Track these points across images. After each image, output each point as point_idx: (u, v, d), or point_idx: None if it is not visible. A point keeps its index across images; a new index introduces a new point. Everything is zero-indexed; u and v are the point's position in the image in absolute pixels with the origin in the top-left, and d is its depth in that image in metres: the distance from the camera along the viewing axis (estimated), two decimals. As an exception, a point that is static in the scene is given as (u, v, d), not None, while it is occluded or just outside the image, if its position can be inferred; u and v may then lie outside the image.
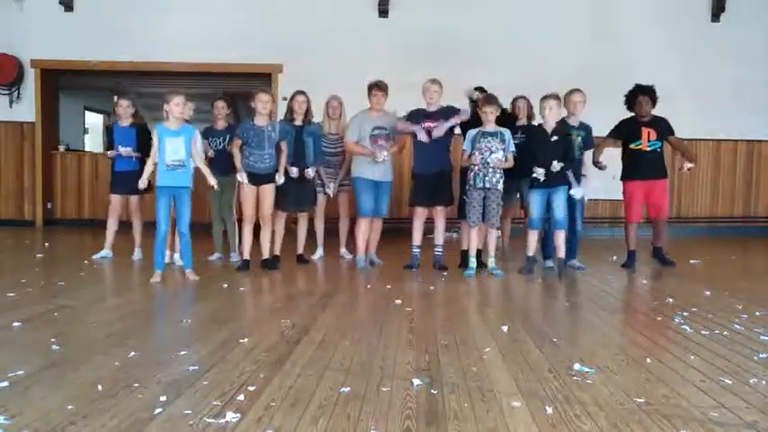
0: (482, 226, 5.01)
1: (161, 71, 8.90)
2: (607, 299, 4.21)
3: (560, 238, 4.97)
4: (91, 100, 12.82)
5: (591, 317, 3.77)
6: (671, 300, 4.12)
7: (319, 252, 5.94)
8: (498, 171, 4.90)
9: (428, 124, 5.13)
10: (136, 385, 2.30)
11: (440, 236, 5.34)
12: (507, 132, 4.97)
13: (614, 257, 5.96)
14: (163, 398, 2.17)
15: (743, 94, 8.71)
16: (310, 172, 5.34)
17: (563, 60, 7.98)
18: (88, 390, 2.25)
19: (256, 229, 5.16)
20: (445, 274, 5.07)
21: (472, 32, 8.46)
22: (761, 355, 2.80)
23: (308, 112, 5.42)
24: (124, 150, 5.62)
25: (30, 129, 8.93)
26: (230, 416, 2.02)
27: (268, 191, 5.14)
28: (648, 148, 5.43)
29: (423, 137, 5.09)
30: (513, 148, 4.94)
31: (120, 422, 1.97)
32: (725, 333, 3.23)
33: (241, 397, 2.20)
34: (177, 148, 4.56)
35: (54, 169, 9.14)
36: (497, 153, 4.86)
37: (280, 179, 5.12)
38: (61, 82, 9.68)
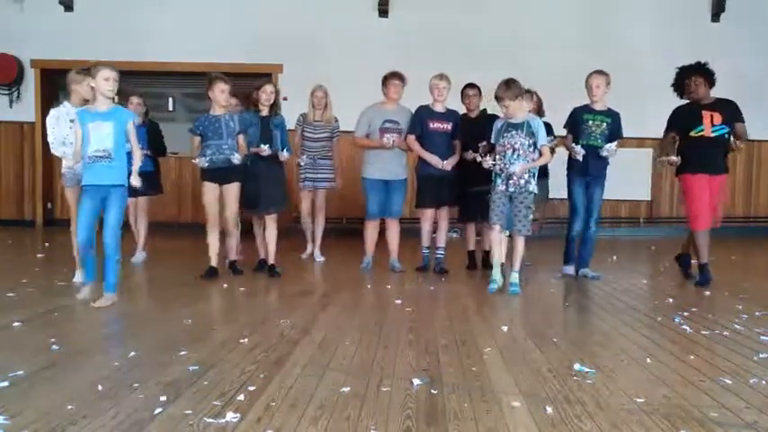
0: (503, 235, 4.36)
1: (161, 71, 8.91)
2: (607, 299, 4.21)
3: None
4: (91, 100, 12.81)
5: (591, 317, 3.77)
6: (671, 300, 4.12)
7: (310, 249, 5.94)
8: (527, 171, 4.27)
9: (437, 125, 5.03)
10: (136, 385, 2.30)
11: (442, 237, 5.23)
12: (536, 120, 4.34)
13: (614, 257, 5.96)
14: (163, 398, 2.17)
15: (743, 95, 8.67)
16: (285, 154, 4.86)
17: (563, 60, 7.97)
18: (88, 390, 2.25)
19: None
20: (444, 278, 4.99)
21: (472, 32, 8.47)
22: (761, 355, 2.80)
23: (274, 105, 4.95)
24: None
25: (30, 129, 8.94)
26: (230, 416, 2.02)
27: (233, 190, 4.65)
28: (713, 134, 4.58)
29: (437, 164, 4.96)
30: (544, 139, 4.32)
31: (121, 422, 1.97)
32: (725, 333, 3.23)
33: (241, 397, 2.20)
34: (103, 136, 3.63)
35: (54, 169, 9.14)
36: (524, 158, 4.23)
37: (236, 159, 4.54)
38: (61, 82, 9.67)
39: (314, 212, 5.90)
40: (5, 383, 2.31)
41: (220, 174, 4.62)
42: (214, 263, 4.72)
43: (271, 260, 4.97)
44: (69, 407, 2.08)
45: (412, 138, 5.07)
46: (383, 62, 7.67)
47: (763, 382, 2.44)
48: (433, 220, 5.19)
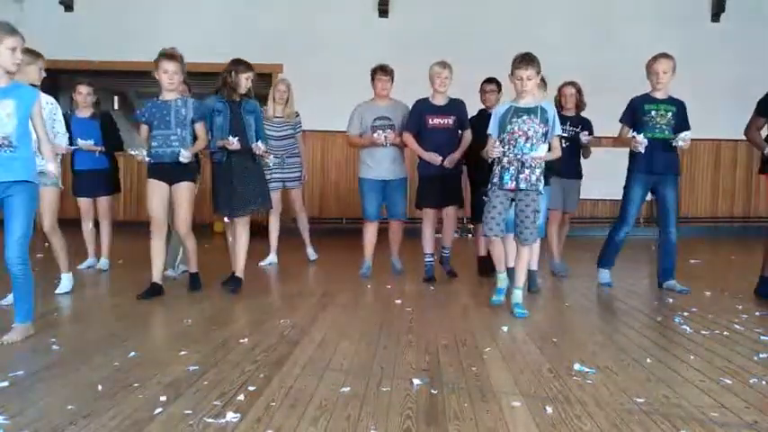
0: (507, 237, 3.83)
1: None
2: (607, 299, 4.21)
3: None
4: (91, 100, 12.81)
5: (591, 317, 3.78)
6: (671, 300, 4.12)
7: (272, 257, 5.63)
8: (539, 165, 3.63)
9: (436, 121, 4.68)
10: (136, 385, 2.30)
11: (448, 237, 4.92)
12: (550, 108, 3.72)
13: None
14: (163, 398, 2.17)
15: (743, 94, 8.66)
16: (260, 146, 4.17)
17: (563, 60, 7.94)
18: (88, 390, 2.25)
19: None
20: (447, 279, 4.86)
21: (472, 32, 8.46)
22: (761, 355, 2.80)
23: (249, 91, 4.42)
24: (84, 144, 4.79)
25: (29, 129, 8.92)
26: (230, 416, 2.02)
27: (184, 191, 3.97)
28: None
29: (435, 161, 4.59)
30: (559, 130, 3.74)
31: (121, 422, 1.97)
32: (725, 333, 3.23)
33: (241, 397, 2.20)
34: (2, 119, 2.81)
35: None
36: (538, 147, 3.57)
37: (183, 157, 3.88)
38: (61, 82, 9.68)
39: (294, 213, 5.73)
40: (5, 383, 2.31)
41: (168, 171, 3.95)
42: (156, 278, 4.03)
43: (238, 272, 4.28)
44: (69, 407, 2.08)
45: (408, 134, 4.71)
46: (383, 62, 7.69)
47: (763, 382, 2.44)
48: (435, 222, 4.80)
